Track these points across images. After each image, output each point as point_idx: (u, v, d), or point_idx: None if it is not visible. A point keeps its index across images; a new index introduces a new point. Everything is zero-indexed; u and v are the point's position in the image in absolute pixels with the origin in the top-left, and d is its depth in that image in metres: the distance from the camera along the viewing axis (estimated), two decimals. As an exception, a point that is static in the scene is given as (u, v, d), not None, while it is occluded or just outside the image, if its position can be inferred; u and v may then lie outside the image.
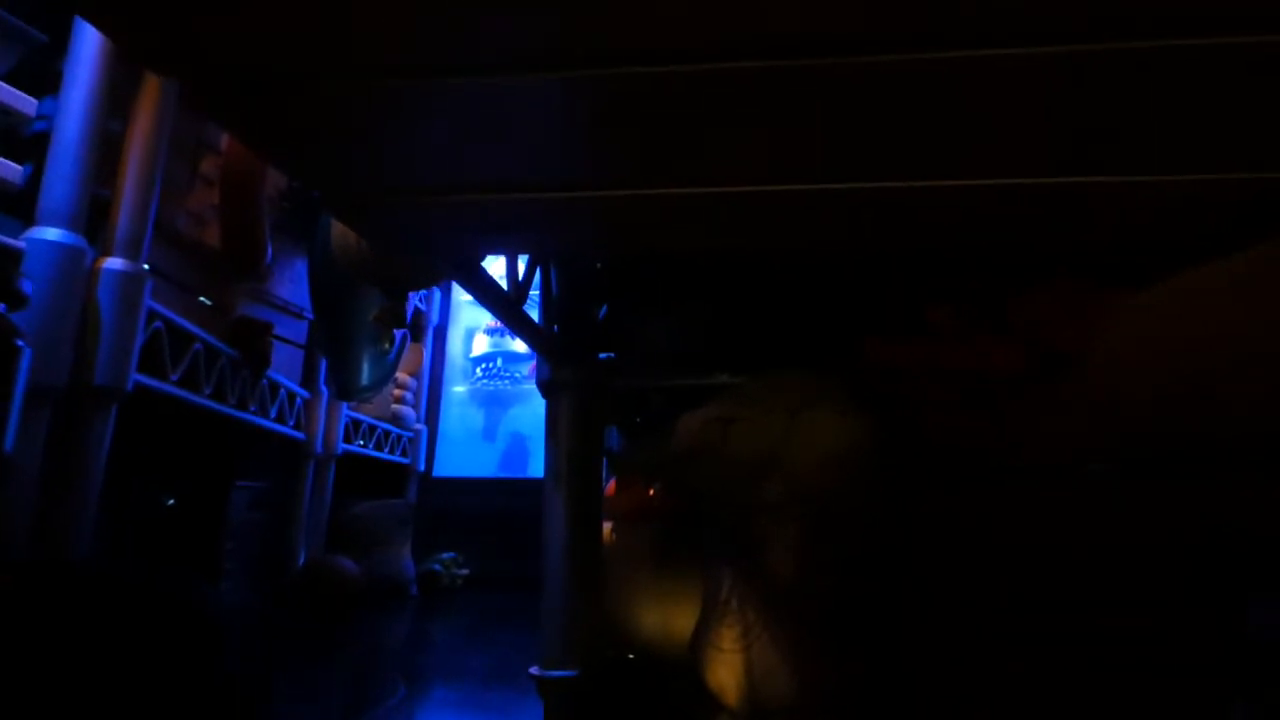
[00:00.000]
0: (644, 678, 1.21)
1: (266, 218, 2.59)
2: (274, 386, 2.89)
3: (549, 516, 1.14)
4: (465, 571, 3.94)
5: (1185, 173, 0.67)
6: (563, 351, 1.19)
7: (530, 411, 4.83)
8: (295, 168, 0.76)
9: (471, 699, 1.88)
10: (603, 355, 1.27)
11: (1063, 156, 0.66)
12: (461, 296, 5.02)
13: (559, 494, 1.14)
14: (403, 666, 2.18)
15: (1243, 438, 0.76)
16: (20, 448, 1.48)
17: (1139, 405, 0.82)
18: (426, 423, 4.70)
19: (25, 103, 1.65)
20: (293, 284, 3.15)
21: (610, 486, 1.45)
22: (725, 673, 0.96)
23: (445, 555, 3.93)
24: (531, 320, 1.15)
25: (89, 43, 1.71)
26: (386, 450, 4.14)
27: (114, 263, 1.78)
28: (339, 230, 0.98)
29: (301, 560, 3.27)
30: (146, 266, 1.86)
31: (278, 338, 2.90)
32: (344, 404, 3.51)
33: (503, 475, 4.77)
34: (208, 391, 2.30)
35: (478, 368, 5.02)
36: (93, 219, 1.72)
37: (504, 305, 1.08)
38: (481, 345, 5.02)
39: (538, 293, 1.23)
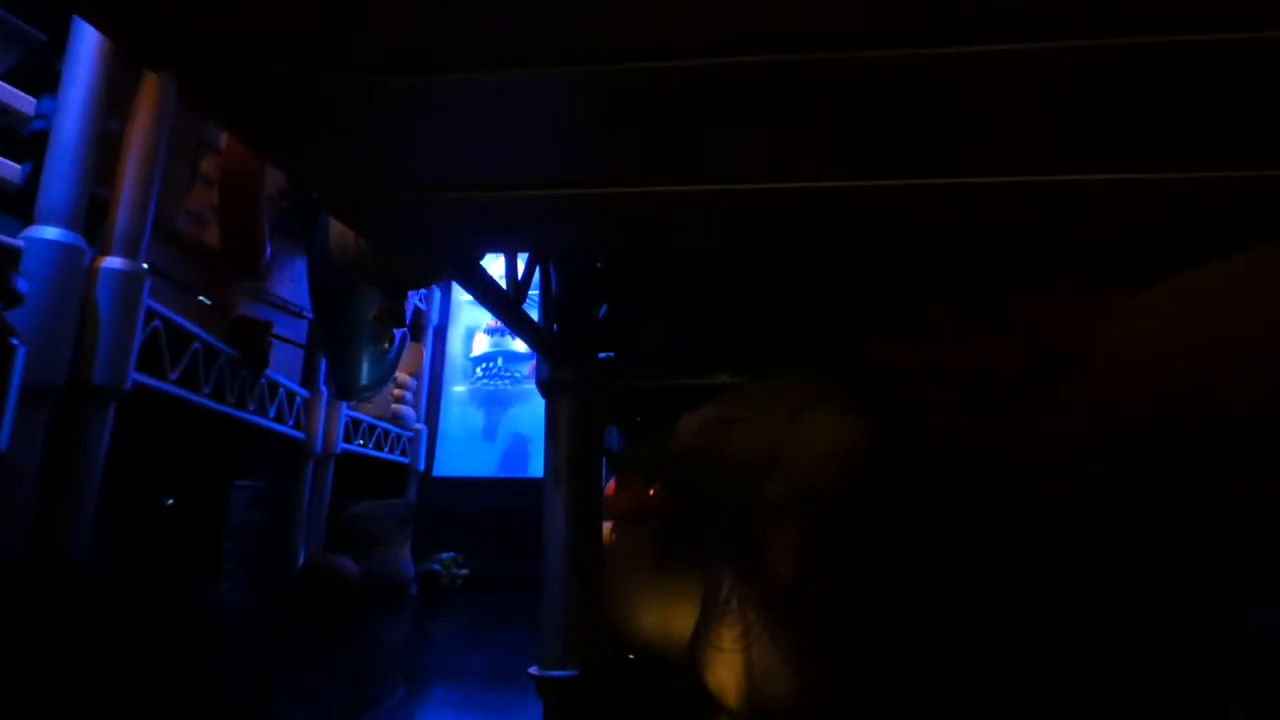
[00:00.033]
0: (644, 678, 1.21)
1: (266, 217, 2.59)
2: (273, 386, 2.89)
3: (549, 516, 1.14)
4: (465, 571, 3.94)
5: (1186, 170, 0.67)
6: (562, 351, 1.19)
7: (530, 411, 4.83)
8: (295, 167, 0.76)
9: (471, 699, 1.88)
10: (603, 355, 1.27)
11: (1063, 154, 0.66)
12: (461, 296, 5.02)
13: (559, 494, 1.14)
14: (403, 666, 2.18)
15: (1243, 438, 0.76)
16: (19, 447, 1.48)
17: (1139, 405, 0.81)
18: (426, 422, 4.70)
19: (24, 102, 1.65)
20: (292, 283, 3.15)
21: (610, 486, 1.44)
22: (725, 673, 0.96)
23: (445, 555, 3.93)
24: (531, 320, 1.14)
25: (88, 42, 1.71)
26: (386, 450, 4.14)
27: (113, 262, 1.78)
28: (338, 230, 0.98)
29: (301, 560, 3.27)
30: (145, 266, 1.86)
31: (277, 337, 2.90)
32: (343, 403, 3.51)
33: (503, 475, 4.77)
34: (207, 391, 2.30)
35: (478, 367, 5.02)
36: (91, 218, 1.72)
37: (504, 305, 1.07)
38: (481, 345, 5.02)
39: (537, 292, 1.23)
